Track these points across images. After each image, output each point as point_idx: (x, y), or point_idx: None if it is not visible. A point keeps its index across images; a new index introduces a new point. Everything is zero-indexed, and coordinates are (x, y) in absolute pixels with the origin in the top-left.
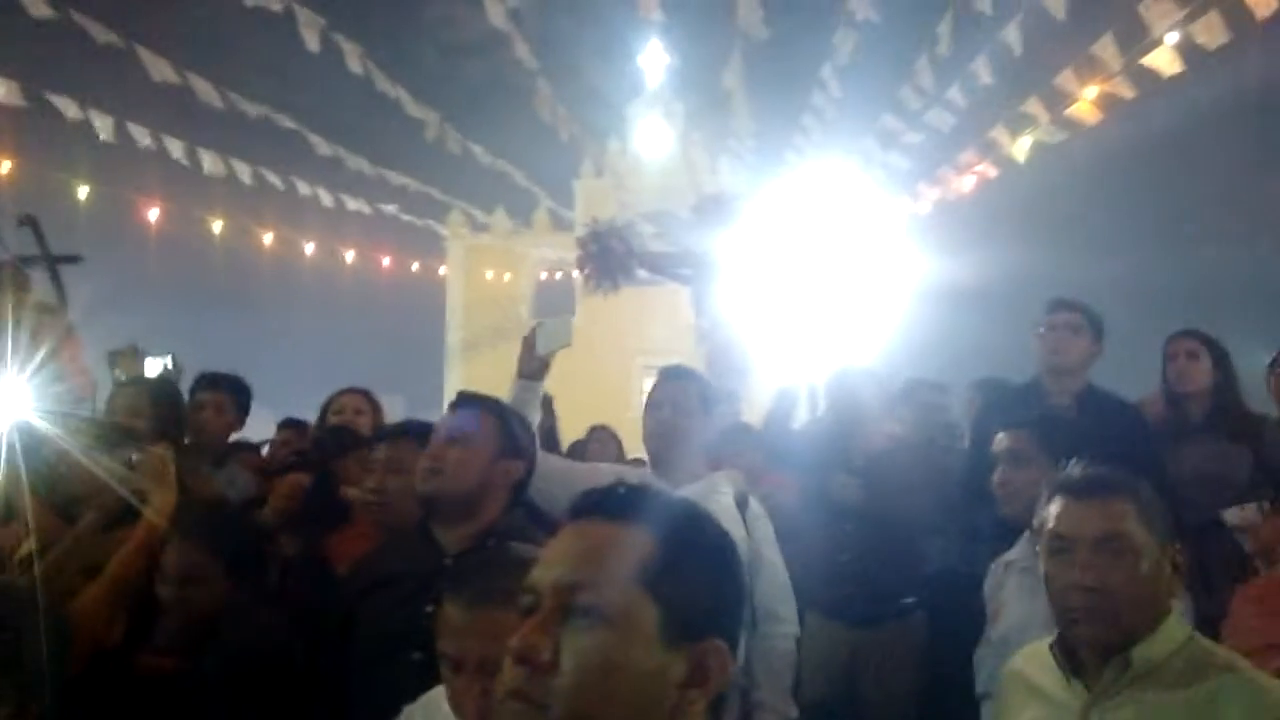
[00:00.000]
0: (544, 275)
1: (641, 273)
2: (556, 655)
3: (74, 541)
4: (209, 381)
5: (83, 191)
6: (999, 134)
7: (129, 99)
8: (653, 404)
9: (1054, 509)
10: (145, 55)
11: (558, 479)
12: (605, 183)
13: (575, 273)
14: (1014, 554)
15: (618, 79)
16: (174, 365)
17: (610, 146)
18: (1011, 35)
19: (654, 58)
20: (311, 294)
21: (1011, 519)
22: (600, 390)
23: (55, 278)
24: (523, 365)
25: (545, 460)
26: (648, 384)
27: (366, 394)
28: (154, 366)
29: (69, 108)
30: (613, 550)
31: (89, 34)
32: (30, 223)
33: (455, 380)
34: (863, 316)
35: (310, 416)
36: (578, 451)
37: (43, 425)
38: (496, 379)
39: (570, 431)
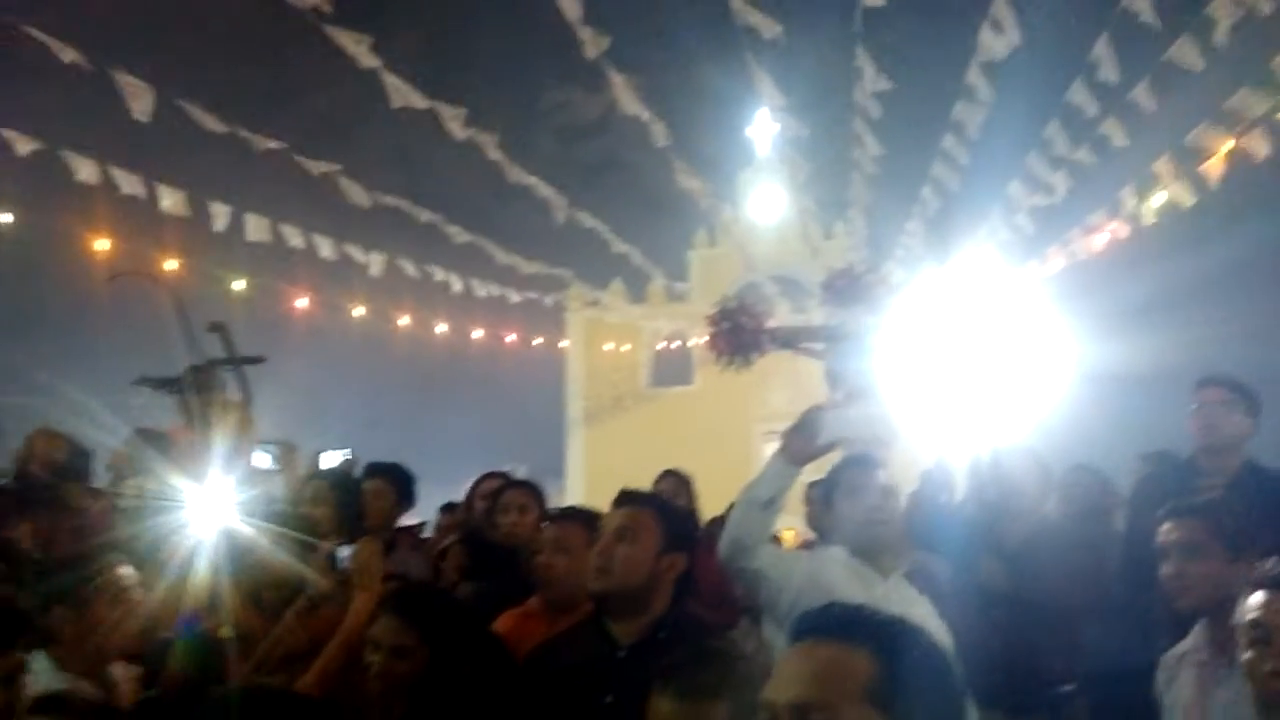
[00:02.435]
0: (661, 345)
1: (772, 345)
2: None
3: (284, 632)
4: (372, 470)
5: (237, 285)
6: (1127, 195)
7: (284, 200)
8: (866, 492)
9: (1255, 599)
10: (302, 160)
11: (798, 572)
12: (720, 251)
13: (692, 341)
14: (1187, 645)
15: (730, 148)
16: (351, 458)
17: (724, 214)
18: (1142, 94)
19: (763, 127)
20: (442, 372)
21: (1186, 611)
22: (720, 459)
23: (242, 379)
24: (793, 448)
25: (771, 552)
26: (768, 451)
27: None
28: (332, 459)
29: (221, 214)
30: (838, 671)
31: (250, 144)
32: (220, 329)
33: (577, 449)
34: (1004, 390)
35: (451, 490)
36: (717, 528)
37: (247, 525)
38: (616, 448)
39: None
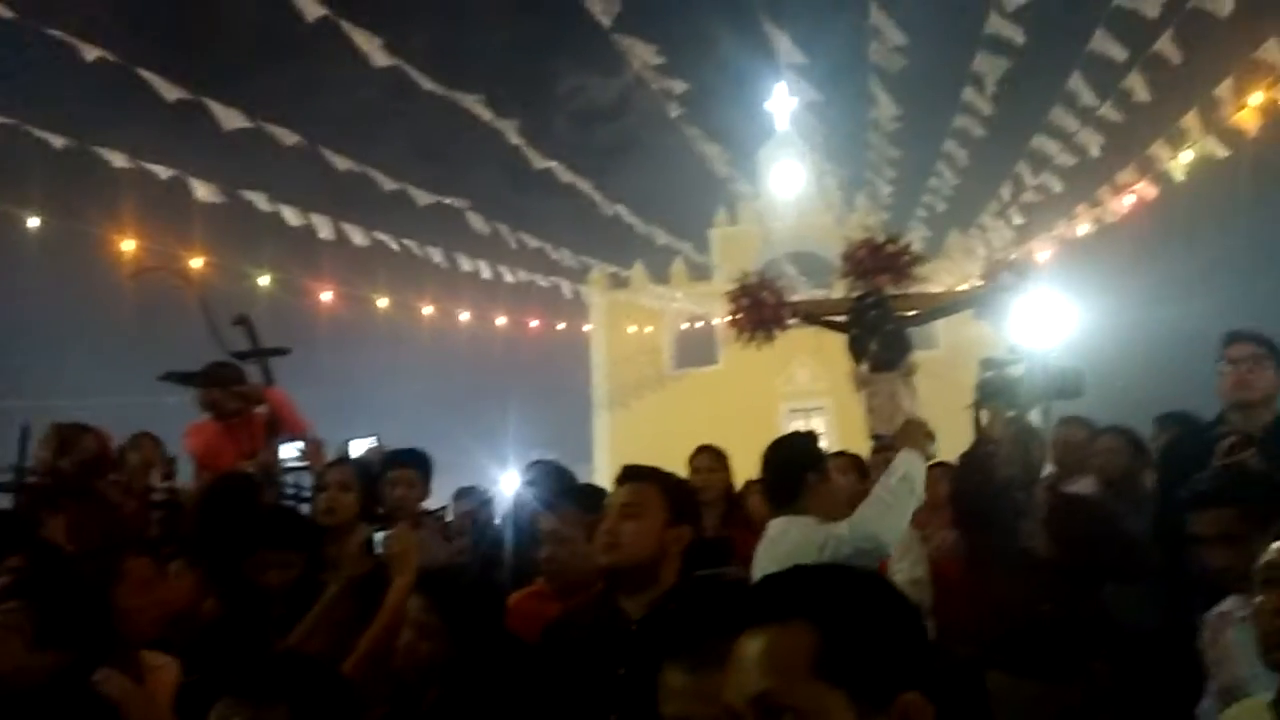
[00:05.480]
0: (684, 326)
1: (792, 321)
2: None
3: (323, 608)
4: (401, 459)
5: (263, 280)
6: (1158, 150)
7: (312, 190)
8: None
9: (1274, 546)
10: (327, 152)
11: (814, 551)
12: (741, 229)
13: (715, 321)
14: (1228, 605)
15: (748, 124)
16: (378, 445)
17: (744, 191)
18: (1167, 45)
19: (781, 101)
20: (466, 358)
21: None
22: (747, 438)
23: (266, 370)
24: (921, 447)
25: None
26: (794, 428)
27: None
28: (360, 447)
29: (260, 200)
30: (779, 654)
31: (277, 139)
32: (244, 322)
33: (604, 432)
34: (1032, 355)
35: (474, 478)
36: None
37: None
38: (642, 430)
39: None
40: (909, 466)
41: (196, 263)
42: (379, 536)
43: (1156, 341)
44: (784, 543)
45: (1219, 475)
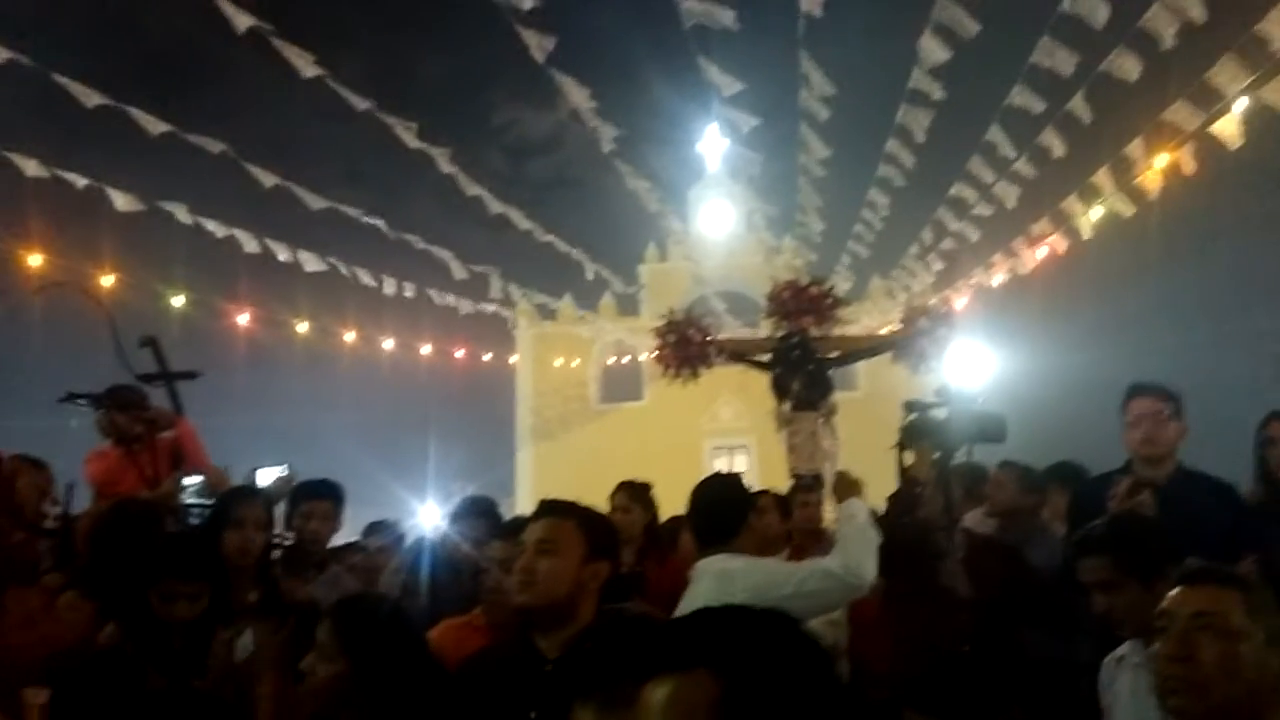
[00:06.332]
0: (611, 360)
1: (718, 358)
2: None
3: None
4: (315, 490)
5: (177, 300)
6: (1070, 205)
7: (236, 206)
8: None
9: (1169, 594)
10: (252, 167)
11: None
12: (670, 265)
13: (642, 356)
14: (1124, 650)
15: (679, 164)
16: (289, 473)
17: (674, 228)
18: (1079, 105)
19: (713, 143)
20: (389, 387)
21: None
22: (670, 475)
23: (173, 394)
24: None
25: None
26: (718, 466)
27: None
28: (268, 476)
29: (179, 212)
30: (681, 706)
31: (202, 148)
32: (151, 344)
33: (527, 466)
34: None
35: (391, 511)
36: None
37: None
38: (566, 464)
39: None
40: (864, 513)
41: (107, 280)
42: (242, 642)
43: (1068, 390)
44: (743, 577)
45: (1099, 524)
